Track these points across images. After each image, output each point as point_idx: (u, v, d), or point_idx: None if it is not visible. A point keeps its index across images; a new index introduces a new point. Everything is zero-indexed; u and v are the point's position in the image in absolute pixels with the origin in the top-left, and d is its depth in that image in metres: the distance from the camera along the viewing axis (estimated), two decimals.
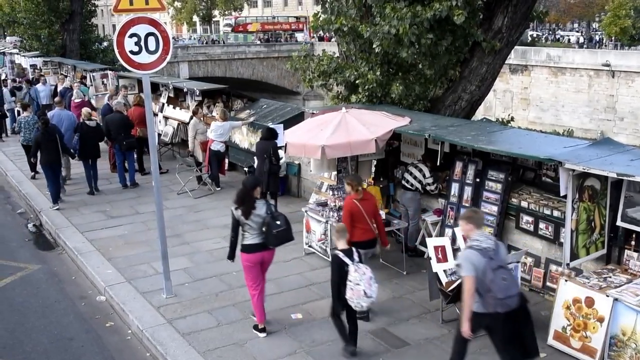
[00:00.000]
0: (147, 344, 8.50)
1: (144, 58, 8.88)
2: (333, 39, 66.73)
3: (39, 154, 14.06)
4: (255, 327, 8.56)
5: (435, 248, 8.59)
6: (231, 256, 8.58)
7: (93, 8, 36.73)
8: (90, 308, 9.74)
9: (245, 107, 17.22)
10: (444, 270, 8.51)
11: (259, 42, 71.97)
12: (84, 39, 34.41)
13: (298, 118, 15.30)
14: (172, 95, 19.65)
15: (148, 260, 11.06)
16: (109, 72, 23.88)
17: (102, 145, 18.10)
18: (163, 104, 19.99)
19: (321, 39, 75.09)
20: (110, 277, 10.43)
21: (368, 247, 8.99)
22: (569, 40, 69.00)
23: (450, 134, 9.57)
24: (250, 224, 8.17)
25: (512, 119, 14.52)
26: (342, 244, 7.75)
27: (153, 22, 8.86)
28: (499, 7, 11.23)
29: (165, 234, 9.71)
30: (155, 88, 21.14)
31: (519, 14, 11.18)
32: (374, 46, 10.95)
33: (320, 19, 12.46)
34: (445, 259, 8.57)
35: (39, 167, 15.32)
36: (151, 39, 8.87)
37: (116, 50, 8.80)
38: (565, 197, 7.91)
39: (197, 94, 17.34)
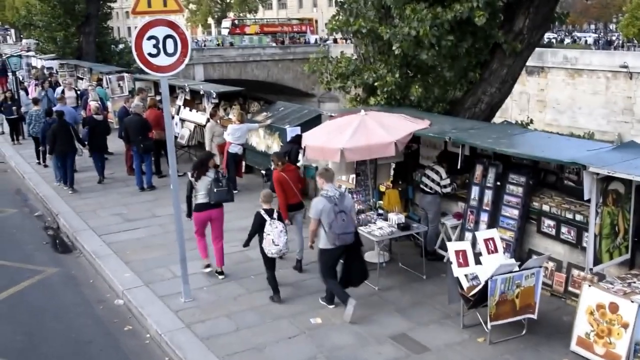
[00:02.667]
0: (165, 348, 8.44)
1: (162, 60, 8.83)
2: (348, 41, 67.03)
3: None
4: (205, 266, 10.61)
5: (456, 252, 8.47)
6: (189, 214, 10.36)
7: (109, 10, 36.88)
8: (108, 312, 9.70)
9: (262, 109, 17.16)
10: (465, 275, 8.39)
11: (274, 45, 71.89)
12: (99, 42, 34.61)
13: (315, 121, 15.26)
14: (188, 97, 19.62)
15: (166, 263, 11.01)
16: (125, 74, 23.95)
17: (117, 147, 18.39)
18: (179, 107, 19.97)
19: (335, 40, 75.11)
20: (128, 280, 10.39)
21: (296, 209, 10.62)
22: (586, 41, 68.45)
23: (471, 136, 9.46)
24: (200, 186, 10.06)
25: (532, 121, 14.38)
26: (265, 206, 9.50)
27: (171, 24, 8.81)
28: (520, 9, 11.08)
29: (184, 237, 9.63)
30: (172, 90, 21.16)
31: (540, 16, 11.03)
32: (394, 48, 10.84)
33: (338, 20, 12.34)
34: (466, 264, 8.45)
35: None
36: (169, 42, 8.82)
37: (134, 53, 8.74)
38: (588, 201, 7.78)
39: (214, 96, 17.28)
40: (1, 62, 33.53)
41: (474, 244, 10.11)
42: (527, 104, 51.91)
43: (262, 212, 9.41)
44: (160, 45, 8.77)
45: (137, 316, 9.42)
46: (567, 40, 72.33)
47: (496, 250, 8.63)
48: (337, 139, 9.74)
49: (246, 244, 9.71)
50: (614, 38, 70.64)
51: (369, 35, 11.67)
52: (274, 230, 9.24)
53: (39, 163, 18.97)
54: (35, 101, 19.94)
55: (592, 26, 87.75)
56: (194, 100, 19.66)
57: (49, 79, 27.70)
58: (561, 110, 51.16)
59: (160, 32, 8.75)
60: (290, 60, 66.80)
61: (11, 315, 9.60)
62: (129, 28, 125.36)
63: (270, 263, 9.56)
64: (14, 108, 22.00)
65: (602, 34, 77.38)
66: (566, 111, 51.00)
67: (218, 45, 71.91)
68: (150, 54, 8.75)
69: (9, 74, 26.56)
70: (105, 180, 16.73)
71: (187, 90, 18.99)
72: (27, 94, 25.27)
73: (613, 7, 72.61)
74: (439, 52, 10.63)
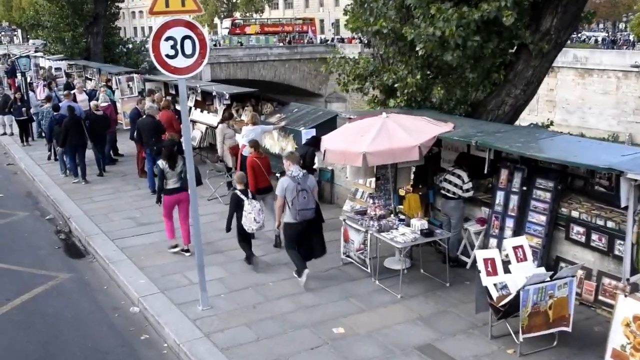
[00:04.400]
0: (184, 358, 8.18)
1: (180, 62, 8.57)
2: (355, 41, 66.82)
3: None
4: (172, 246, 11.55)
5: (485, 260, 8.19)
6: (159, 199, 11.42)
7: (117, 10, 36.66)
8: (124, 320, 9.45)
9: (276, 111, 16.87)
10: (494, 284, 8.11)
11: (281, 45, 71.65)
12: (107, 42, 34.38)
13: (331, 122, 14.98)
14: (199, 98, 19.36)
15: (181, 269, 10.77)
16: (134, 75, 23.72)
17: (129, 149, 18.19)
18: (190, 108, 19.71)
19: (342, 40, 74.86)
20: (143, 287, 10.13)
21: (265, 192, 11.70)
22: (595, 40, 67.97)
23: (498, 140, 9.17)
24: (172, 173, 11.09)
25: (552, 123, 14.07)
26: (240, 187, 10.71)
27: (189, 25, 8.55)
28: (548, 8, 10.74)
29: (201, 242, 9.38)
30: None
31: (569, 15, 10.70)
32: (417, 49, 10.52)
33: (358, 20, 12.03)
34: (495, 272, 8.17)
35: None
36: (187, 42, 8.56)
37: (151, 54, 8.47)
38: (625, 208, 7.47)
39: (227, 97, 17.01)
40: (10, 62, 33.36)
41: (499, 250, 9.91)
42: (537, 104, 51.45)
43: (239, 193, 10.54)
44: (178, 47, 8.51)
45: (153, 324, 9.16)
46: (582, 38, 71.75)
47: (525, 259, 8.36)
48: (359, 143, 9.47)
49: (228, 228, 10.73)
50: (619, 36, 70.15)
51: (390, 36, 11.36)
52: (254, 209, 10.37)
53: (49, 158, 19.49)
54: (48, 98, 20.60)
55: (600, 25, 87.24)
56: (205, 101, 19.41)
57: (60, 79, 27.58)
58: (571, 110, 50.82)
59: (178, 32, 8.48)
60: (297, 60, 66.72)
61: (26, 323, 9.36)
62: (135, 28, 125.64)
63: (247, 237, 10.84)
64: (23, 109, 21.80)
65: (610, 33, 76.86)
66: (576, 111, 50.67)
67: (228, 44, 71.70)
68: (167, 55, 8.48)
69: (18, 74, 26.28)
70: (104, 174, 17.49)
71: (198, 91, 18.69)
72: (35, 95, 25.08)
73: (622, 5, 72.13)
74: (464, 53, 10.33)
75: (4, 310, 9.78)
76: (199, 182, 10.62)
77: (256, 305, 9.42)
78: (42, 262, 11.82)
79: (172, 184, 11.17)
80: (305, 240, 10.14)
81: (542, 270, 8.34)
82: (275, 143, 15.64)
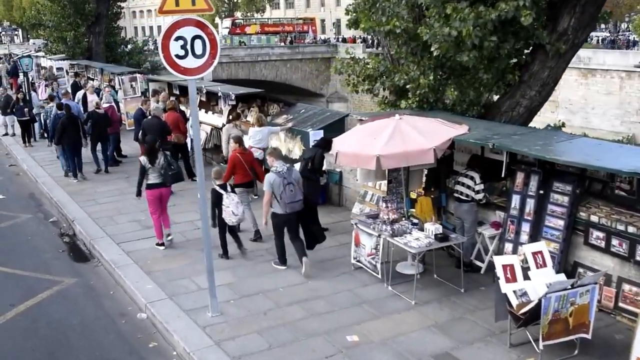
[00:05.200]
0: None
1: (190, 62, 8.35)
2: (359, 41, 66.63)
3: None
4: (158, 244, 11.76)
5: (504, 267, 7.97)
6: (138, 193, 11.86)
7: (119, 10, 36.39)
8: (132, 326, 9.22)
9: (282, 111, 16.66)
10: (514, 291, 7.88)
11: (282, 45, 71.36)
12: (109, 42, 34.08)
13: (339, 123, 14.81)
14: (203, 99, 19.13)
15: (189, 274, 10.54)
16: (137, 75, 23.50)
17: (132, 150, 17.99)
18: None
19: (344, 40, 74.60)
20: (150, 293, 9.90)
21: (247, 187, 12.07)
22: (598, 40, 67.71)
23: (516, 143, 8.95)
24: (153, 168, 11.40)
25: (563, 124, 13.84)
26: (218, 182, 10.90)
27: (200, 24, 8.33)
28: (566, 7, 10.49)
29: (211, 247, 9.15)
30: (187, 91, 20.67)
31: (587, 15, 10.45)
32: (432, 49, 10.28)
33: (362, 19, 11.79)
34: (514, 279, 7.95)
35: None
36: (198, 42, 8.33)
37: (161, 54, 8.24)
38: None
39: (232, 98, 16.78)
40: (13, 62, 33.14)
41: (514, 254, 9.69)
42: None
43: (217, 188, 10.82)
44: (188, 47, 8.28)
45: (162, 332, 8.94)
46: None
47: (545, 265, 8.15)
48: (372, 145, 9.25)
49: (213, 224, 10.85)
50: (620, 37, 69.84)
51: (402, 36, 11.12)
52: (232, 202, 10.69)
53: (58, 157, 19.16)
54: (52, 97, 20.56)
55: (602, 25, 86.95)
56: (209, 101, 19.20)
57: (62, 79, 27.40)
58: (574, 110, 50.50)
59: (188, 32, 8.26)
60: (298, 60, 66.37)
61: (31, 330, 9.13)
62: (135, 28, 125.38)
63: (232, 230, 11.15)
64: (25, 109, 21.56)
65: (612, 33, 76.58)
66: (579, 112, 50.35)
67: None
68: (177, 56, 8.26)
69: (20, 74, 26.11)
70: (101, 172, 17.74)
71: (203, 91, 18.45)
72: (37, 95, 24.88)
73: (624, 5, 71.83)
74: (480, 54, 10.09)
75: (8, 316, 9.55)
76: (179, 179, 12.03)
77: (267, 311, 9.18)
78: (46, 266, 11.60)
79: (153, 179, 11.49)
80: (306, 229, 10.62)
81: (563, 277, 8.14)
82: (282, 144, 15.41)
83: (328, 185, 14.13)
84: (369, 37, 70.83)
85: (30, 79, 26.65)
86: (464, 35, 9.65)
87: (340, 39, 77.23)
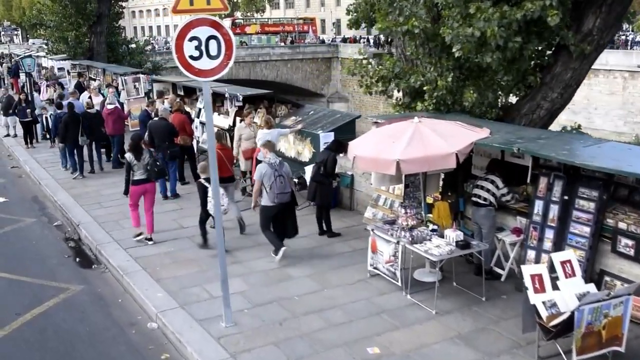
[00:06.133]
0: None
1: (204, 64, 8.04)
2: (362, 41, 66.28)
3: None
4: (137, 234, 12.19)
5: (532, 277, 7.65)
6: (126, 191, 12.01)
7: (120, 10, 36.08)
8: (142, 337, 8.89)
9: (290, 113, 16.33)
10: (543, 302, 7.56)
11: (283, 45, 71.02)
12: (110, 42, 33.77)
13: (350, 125, 14.55)
14: None
15: (200, 282, 10.22)
16: (141, 75, 23.18)
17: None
18: (200, 109, 19.18)
19: (345, 40, 74.21)
20: (161, 301, 9.57)
21: (228, 181, 12.37)
22: None
23: (542, 148, 8.63)
24: (138, 165, 11.67)
25: (579, 126, 13.55)
26: (204, 175, 11.11)
27: (215, 24, 8.01)
28: (591, 7, 10.17)
29: (225, 255, 8.82)
30: (192, 92, 20.39)
31: (613, 15, 10.13)
32: (454, 50, 9.94)
33: (379, 19, 11.46)
34: (542, 289, 7.63)
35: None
36: (212, 43, 8.02)
37: (174, 55, 7.94)
38: None
39: (240, 99, 16.45)
40: (14, 62, 32.82)
41: (537, 262, 9.41)
42: None
43: (203, 181, 11.20)
44: (203, 47, 7.97)
45: (174, 342, 8.61)
46: None
47: (574, 274, 7.82)
48: (391, 150, 8.92)
49: (207, 216, 11.49)
50: (621, 37, 69.46)
51: (420, 36, 10.79)
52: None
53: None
54: (61, 97, 20.47)
55: None
56: (215, 102, 18.84)
57: (63, 79, 27.08)
58: (576, 110, 50.03)
59: (202, 32, 7.95)
60: (299, 60, 66.11)
61: (38, 341, 8.78)
62: (135, 28, 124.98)
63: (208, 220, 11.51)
64: (28, 110, 21.21)
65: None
66: (581, 112, 49.96)
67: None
68: (191, 57, 7.95)
69: (21, 74, 25.78)
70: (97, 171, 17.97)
71: (210, 92, 18.04)
72: (40, 95, 24.56)
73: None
74: (504, 55, 9.76)
75: (14, 326, 9.21)
76: (162, 175, 12.48)
77: (283, 321, 8.86)
78: (52, 272, 11.27)
79: (138, 175, 11.77)
80: (279, 221, 10.99)
81: (593, 287, 7.84)
82: (291, 146, 15.13)
83: (339, 188, 13.80)
84: (370, 36, 70.79)
85: (34, 79, 26.39)
86: (488, 36, 9.31)
87: (340, 39, 76.76)
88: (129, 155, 11.78)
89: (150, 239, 12.00)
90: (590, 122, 48.89)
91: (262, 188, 10.62)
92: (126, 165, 11.84)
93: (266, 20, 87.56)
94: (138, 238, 12.06)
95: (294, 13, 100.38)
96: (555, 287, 7.71)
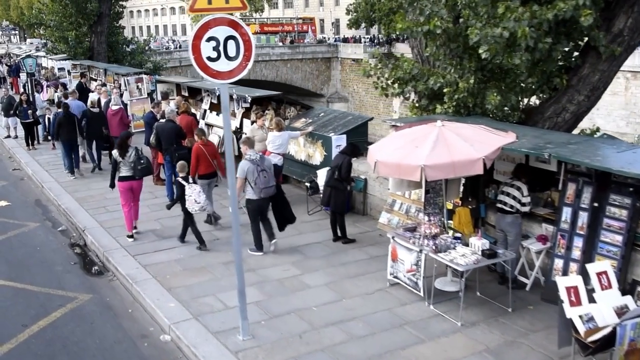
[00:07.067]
0: None
1: (222, 66, 7.67)
2: (365, 42, 65.90)
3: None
4: (128, 236, 12.27)
5: (567, 289, 7.28)
6: (112, 185, 12.44)
7: (121, 9, 35.66)
8: (155, 350, 8.50)
9: (300, 115, 15.95)
10: (580, 316, 7.20)
11: (281, 44, 70.64)
12: (111, 42, 33.38)
13: (362, 128, 14.21)
14: (214, 101, 18.43)
15: (213, 291, 9.85)
16: (144, 76, 22.80)
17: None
18: (205, 111, 18.83)
19: (345, 40, 73.82)
20: (173, 312, 9.19)
21: (210, 177, 12.69)
22: None
23: (575, 153, 8.26)
24: (124, 162, 11.92)
25: (598, 129, 13.20)
26: (182, 174, 11.44)
27: (233, 24, 7.65)
28: (622, 7, 9.79)
29: (242, 265, 8.43)
30: (196, 93, 20.02)
31: None
32: (481, 51, 9.54)
33: (398, 19, 11.07)
34: (579, 302, 7.26)
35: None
36: (231, 43, 7.65)
37: (191, 57, 7.56)
38: None
39: (248, 100, 16.06)
40: (14, 62, 32.42)
41: (565, 271, 9.06)
42: None
43: (181, 180, 11.40)
44: (221, 48, 7.60)
45: (189, 356, 8.22)
46: None
47: (610, 286, 7.46)
48: (415, 155, 8.55)
49: (169, 206, 12.04)
50: None
51: (441, 37, 10.40)
52: (193, 192, 11.25)
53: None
54: (66, 96, 20.35)
55: None
56: (220, 104, 18.44)
57: (63, 79, 26.71)
58: None
59: (221, 32, 7.58)
60: (299, 60, 65.88)
61: (47, 354, 8.38)
62: (132, 27, 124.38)
63: (192, 218, 11.63)
64: (29, 111, 20.78)
65: None
66: None
67: None
68: (209, 58, 7.57)
69: (22, 74, 25.38)
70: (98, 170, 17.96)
71: (216, 93, 17.68)
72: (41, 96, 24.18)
73: None
74: (533, 56, 9.38)
75: (21, 338, 8.81)
76: (148, 173, 12.49)
77: (302, 334, 8.48)
78: (58, 280, 10.88)
79: (124, 171, 12.02)
80: (277, 212, 11.51)
81: (630, 299, 7.48)
82: (301, 149, 14.76)
83: (351, 192, 13.42)
84: (368, 36, 70.41)
85: (35, 79, 26.02)
86: (519, 37, 8.92)
87: (339, 39, 76.37)
88: (114, 152, 12.13)
89: (135, 227, 12.51)
90: (591, 122, 48.08)
91: (247, 184, 10.86)
92: (112, 162, 12.44)
93: (265, 20, 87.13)
94: (130, 240, 12.21)
95: (293, 13, 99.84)
96: (591, 299, 7.36)
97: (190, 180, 11.60)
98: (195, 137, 12.91)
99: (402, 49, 57.24)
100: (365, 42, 67.33)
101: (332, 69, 68.05)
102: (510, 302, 9.05)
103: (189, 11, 7.81)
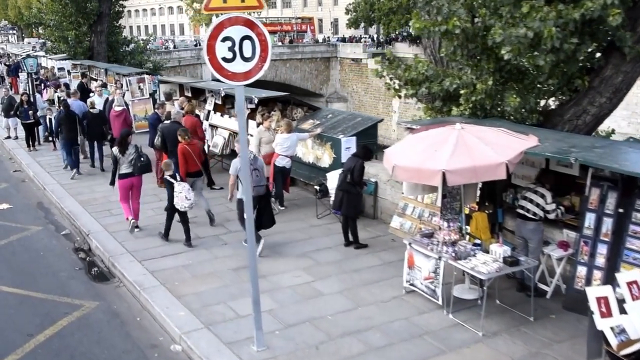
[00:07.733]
0: None
1: (237, 67, 7.38)
2: (366, 42, 65.63)
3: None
4: (127, 218, 12.56)
5: (597, 300, 7.00)
6: (112, 182, 12.68)
7: (121, 9, 35.32)
8: None
9: (307, 116, 15.66)
10: (611, 328, 6.92)
11: (280, 44, 70.35)
12: (111, 41, 33.03)
13: (371, 130, 13.95)
14: (218, 102, 18.11)
15: (223, 298, 9.56)
16: (145, 76, 22.49)
17: None
18: (209, 112, 18.51)
19: (344, 40, 73.54)
20: (184, 321, 8.90)
21: (196, 176, 12.75)
22: None
23: (602, 158, 7.98)
24: (124, 159, 12.16)
25: (613, 131, 12.93)
26: (168, 172, 11.61)
27: (249, 23, 7.38)
28: None
29: (257, 274, 8.13)
30: (200, 93, 19.72)
31: None
32: (503, 52, 9.24)
33: (415, 18, 10.73)
34: (609, 313, 6.98)
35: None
36: (247, 44, 7.36)
37: (206, 57, 7.28)
38: None
39: (255, 101, 15.75)
40: (13, 62, 32.09)
41: (588, 279, 8.79)
42: None
43: (169, 178, 11.54)
44: (237, 48, 7.31)
45: None
46: None
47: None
48: (435, 159, 8.27)
49: (173, 211, 11.79)
50: None
51: (459, 37, 10.10)
52: (184, 189, 11.41)
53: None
54: (68, 95, 20.18)
55: None
56: (225, 104, 18.17)
57: (63, 79, 26.38)
58: None
59: (236, 32, 7.29)
60: (298, 59, 65.52)
61: None
62: (130, 27, 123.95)
63: (184, 217, 11.76)
64: (30, 112, 20.45)
65: None
66: None
67: None
68: (224, 59, 7.29)
69: (22, 74, 25.05)
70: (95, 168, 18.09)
71: (222, 94, 17.36)
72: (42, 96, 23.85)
73: None
74: (557, 57, 9.09)
75: (27, 349, 8.51)
76: (147, 170, 12.54)
77: (319, 345, 8.19)
78: (63, 287, 10.57)
79: (124, 169, 12.24)
80: (256, 214, 10.93)
81: None
82: (309, 151, 14.47)
83: (362, 196, 13.12)
84: (368, 36, 70.16)
85: (37, 79, 25.70)
86: (545, 37, 8.63)
87: (338, 39, 76.09)
88: (114, 150, 12.32)
89: (137, 226, 12.48)
90: None
91: (238, 182, 10.99)
92: (112, 159, 12.51)
93: (264, 19, 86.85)
94: (136, 229, 12.43)
95: (292, 12, 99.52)
96: (622, 310, 7.08)
97: (178, 178, 11.74)
98: (179, 138, 12.75)
99: (402, 49, 57.08)
100: (365, 41, 67.05)
101: (331, 68, 67.71)
102: (531, 310, 8.77)
103: (204, 10, 7.50)
